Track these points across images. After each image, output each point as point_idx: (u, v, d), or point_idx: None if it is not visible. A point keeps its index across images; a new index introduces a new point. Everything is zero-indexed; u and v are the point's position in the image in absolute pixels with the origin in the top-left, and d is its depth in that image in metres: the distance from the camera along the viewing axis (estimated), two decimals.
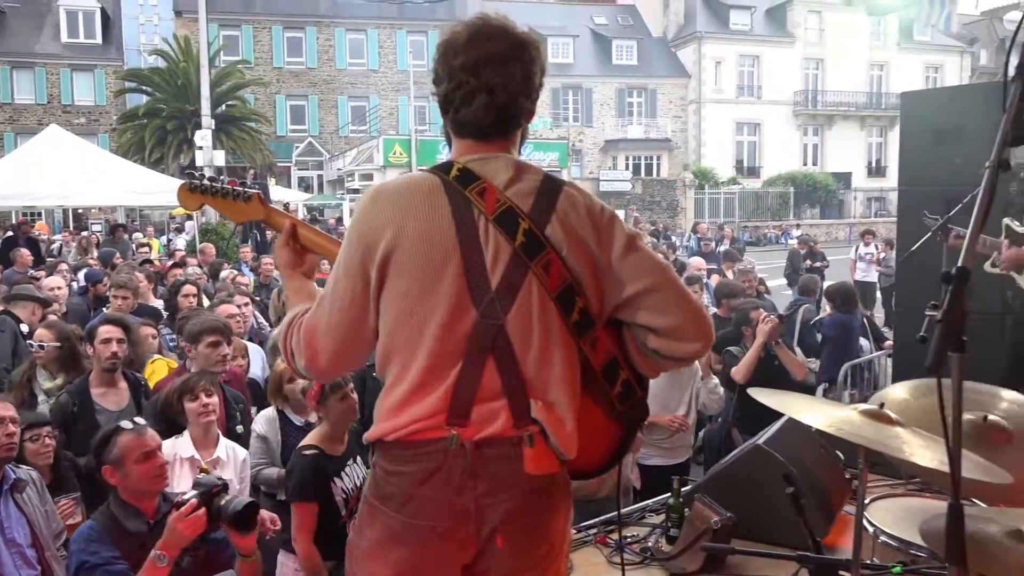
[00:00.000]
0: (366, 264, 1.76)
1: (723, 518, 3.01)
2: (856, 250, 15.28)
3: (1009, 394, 2.45)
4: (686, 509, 3.17)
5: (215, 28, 30.00)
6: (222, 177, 2.16)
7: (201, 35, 18.26)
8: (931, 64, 41.45)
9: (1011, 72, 1.53)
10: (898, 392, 2.39)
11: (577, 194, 1.82)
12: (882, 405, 1.74)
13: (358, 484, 3.42)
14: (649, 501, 3.85)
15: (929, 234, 4.55)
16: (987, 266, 4.78)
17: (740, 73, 39.99)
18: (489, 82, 1.77)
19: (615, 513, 3.65)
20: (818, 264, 14.42)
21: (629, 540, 3.29)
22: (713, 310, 6.87)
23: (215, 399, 3.55)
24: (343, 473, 3.44)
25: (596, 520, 3.48)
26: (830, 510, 3.14)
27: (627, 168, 38.21)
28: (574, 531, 3.32)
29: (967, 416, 2.26)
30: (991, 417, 2.20)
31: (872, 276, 14.35)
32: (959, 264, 1.28)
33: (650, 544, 3.24)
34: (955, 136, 5.12)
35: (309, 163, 36.38)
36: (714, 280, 9.20)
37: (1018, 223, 4.68)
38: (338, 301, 1.79)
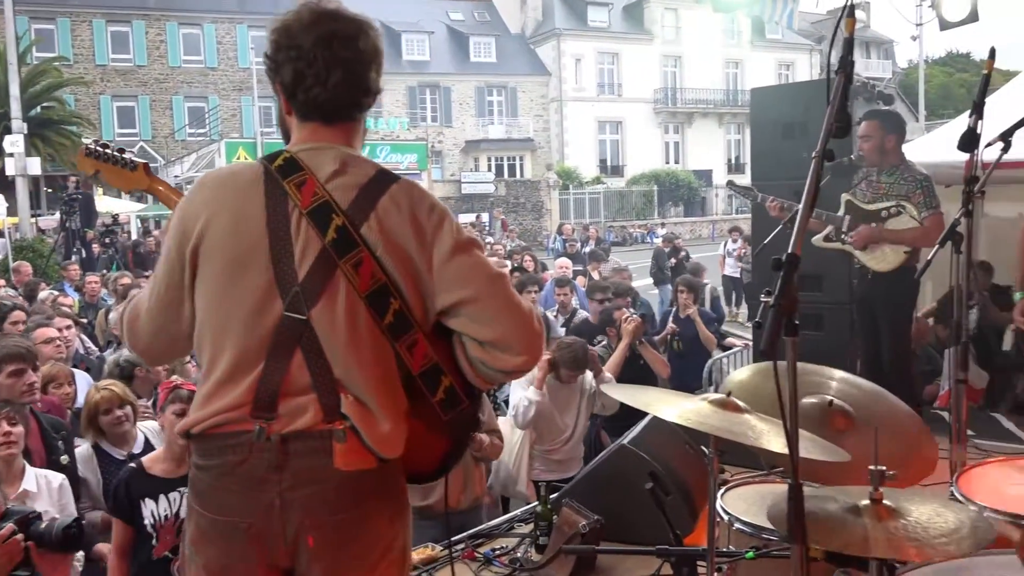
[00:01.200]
0: (182, 251, 1.81)
1: (590, 521, 3.10)
2: (724, 246, 16.15)
3: (839, 373, 2.68)
4: (554, 516, 3.25)
5: (25, 21, 28.11)
6: (115, 146, 2.30)
7: (8, 28, 17.14)
8: (783, 61, 44.23)
9: (834, 67, 1.66)
10: (742, 375, 2.57)
11: (406, 192, 1.82)
12: (729, 394, 1.85)
13: (179, 514, 3.24)
14: (517, 511, 3.92)
15: (780, 227, 4.86)
16: (818, 239, 5.14)
17: (600, 71, 41.29)
18: (343, 56, 1.82)
19: (484, 526, 3.70)
20: (683, 260, 15.06)
21: (498, 552, 3.34)
22: (584, 314, 7.03)
23: (18, 428, 3.32)
24: (161, 496, 3.27)
25: (462, 535, 3.51)
26: (695, 506, 3.30)
27: (490, 169, 38.61)
28: (440, 548, 3.34)
29: (813, 400, 2.44)
30: (836, 401, 2.37)
31: (740, 272, 15.19)
32: (789, 251, 1.38)
33: (519, 555, 3.30)
34: (801, 130, 5.49)
35: None
36: (580, 282, 9.42)
37: (858, 199, 5.07)
38: (157, 286, 1.87)
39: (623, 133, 41.71)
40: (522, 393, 4.82)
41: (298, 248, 1.75)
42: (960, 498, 2.23)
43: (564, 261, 10.56)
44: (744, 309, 13.50)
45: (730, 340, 7.61)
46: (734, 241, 15.77)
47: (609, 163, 41.38)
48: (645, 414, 3.71)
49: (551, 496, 3.34)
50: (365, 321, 1.75)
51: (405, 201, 1.80)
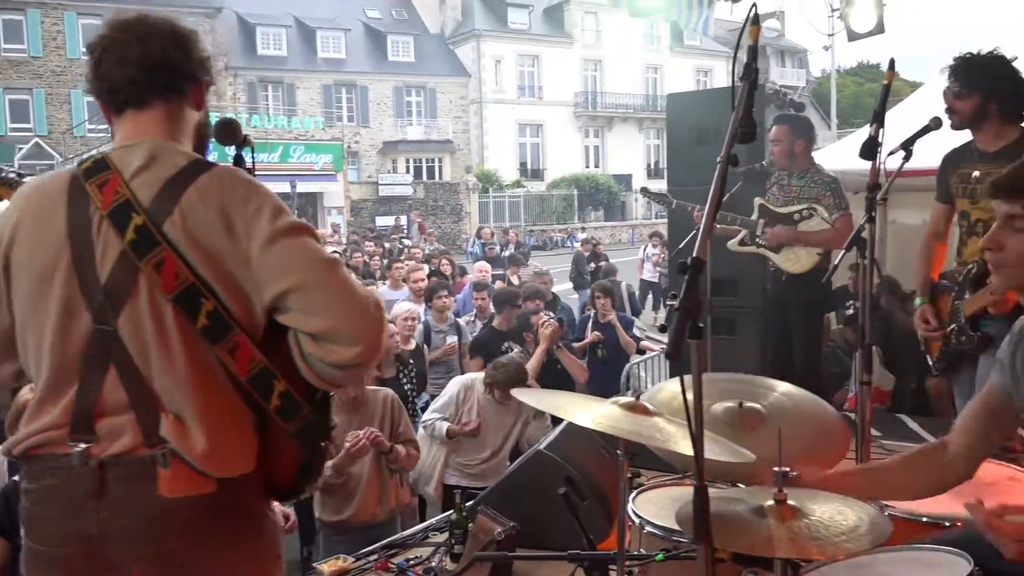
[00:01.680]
0: None
1: (506, 528, 3.11)
2: (644, 251, 16.48)
3: (784, 386, 2.69)
4: (470, 524, 3.25)
5: None
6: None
7: None
8: (702, 68, 45.36)
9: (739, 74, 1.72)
10: (673, 386, 2.61)
11: (217, 182, 1.71)
12: (638, 397, 1.89)
13: None
14: (432, 520, 3.91)
15: (695, 231, 4.98)
16: (733, 244, 5.30)
17: (520, 73, 41.57)
18: (140, 32, 1.79)
19: (397, 536, 3.68)
20: (602, 264, 15.29)
21: (412, 562, 3.32)
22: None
23: None
24: None
25: (375, 546, 3.48)
26: (611, 510, 3.35)
27: (408, 171, 38.42)
28: (352, 559, 3.31)
29: (727, 404, 2.51)
30: (746, 404, 2.44)
31: (658, 277, 15.50)
32: (694, 255, 1.42)
33: (434, 564, 3.29)
34: (715, 136, 5.65)
35: (37, 167, 33.17)
36: (499, 287, 9.45)
37: (771, 203, 5.25)
38: None
39: (543, 136, 42.08)
40: (435, 418, 4.88)
41: (99, 253, 1.68)
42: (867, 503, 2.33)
43: (483, 265, 10.60)
44: (663, 313, 13.80)
45: (645, 344, 7.76)
46: (654, 246, 16.10)
47: (529, 166, 41.67)
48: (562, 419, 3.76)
49: (467, 504, 3.35)
50: (175, 326, 1.66)
51: (215, 191, 1.69)
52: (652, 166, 43.62)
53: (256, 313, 1.72)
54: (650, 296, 15.57)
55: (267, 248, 1.67)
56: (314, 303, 1.66)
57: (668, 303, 1.38)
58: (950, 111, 3.66)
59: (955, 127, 3.68)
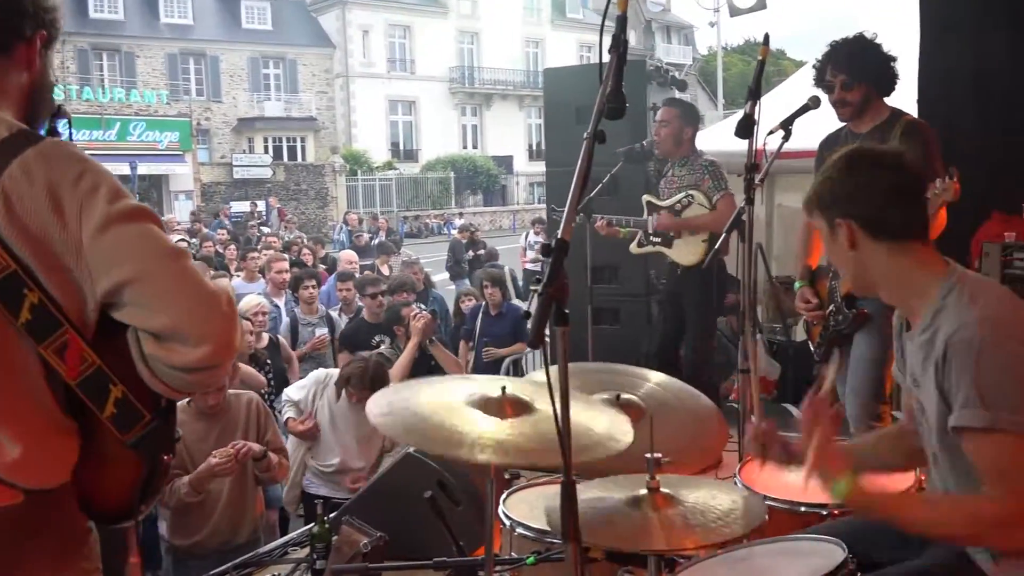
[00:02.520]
0: None
1: (373, 539, 3.11)
2: (526, 238, 16.61)
3: (656, 376, 2.80)
4: (333, 536, 3.22)
5: None
6: None
7: None
8: (585, 43, 46.06)
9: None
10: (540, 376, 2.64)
11: (44, 158, 1.61)
12: (504, 389, 1.91)
13: None
14: (293, 534, 3.85)
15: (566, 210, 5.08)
16: (633, 247, 5.48)
17: (391, 45, 41.18)
18: None
19: (253, 554, 3.62)
20: (481, 252, 15.36)
21: None
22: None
23: None
24: None
25: (227, 565, 3.41)
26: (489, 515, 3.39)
27: (266, 151, 37.49)
28: None
29: (603, 396, 2.57)
30: (624, 396, 2.51)
31: (542, 266, 15.68)
32: (559, 236, 1.45)
33: None
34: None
35: None
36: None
37: (657, 198, 5.42)
38: None
39: (417, 114, 41.86)
40: (286, 405, 4.81)
41: None
42: (743, 489, 2.44)
43: (349, 254, 10.48)
44: None
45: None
46: (536, 233, 16.25)
47: (402, 147, 41.40)
48: None
49: (330, 515, 3.31)
50: None
51: (41, 169, 1.60)
52: (534, 147, 44.08)
53: (88, 308, 1.63)
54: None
55: (101, 234, 1.59)
56: (154, 297, 1.59)
57: (531, 288, 1.39)
58: (841, 103, 3.85)
59: (846, 119, 3.89)
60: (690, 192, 5.28)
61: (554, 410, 1.43)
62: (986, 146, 5.51)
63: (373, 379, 4.50)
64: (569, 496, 1.44)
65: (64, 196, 1.59)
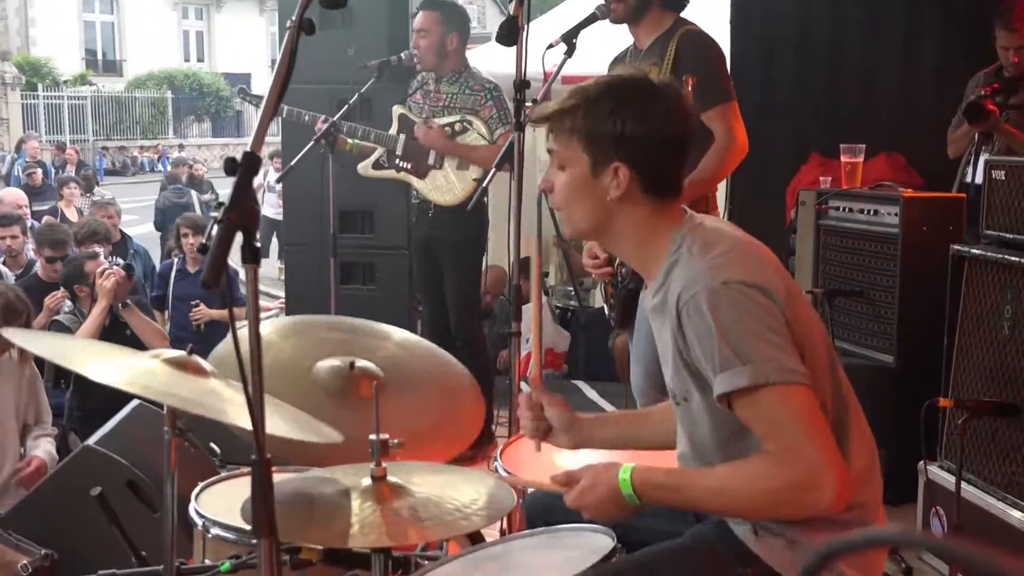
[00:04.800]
0: None
1: (36, 558, 3.05)
2: (264, 177, 16.13)
3: (402, 334, 2.84)
4: None
5: None
6: None
7: None
8: None
9: None
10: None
11: None
12: (191, 351, 1.87)
13: None
14: None
15: (312, 143, 5.01)
16: (363, 166, 5.46)
17: None
18: None
19: None
20: (207, 199, 14.89)
21: None
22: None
23: None
24: None
25: None
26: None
27: None
28: None
29: (333, 363, 2.57)
30: (359, 364, 2.52)
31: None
32: (248, 149, 1.42)
33: None
34: (346, 19, 5.69)
35: None
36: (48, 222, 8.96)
37: (414, 113, 5.43)
38: None
39: (120, 14, 39.95)
40: None
41: None
42: (505, 475, 2.51)
43: (17, 195, 9.85)
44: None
45: (263, 304, 7.76)
46: (277, 169, 15.88)
47: (101, 56, 39.49)
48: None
49: None
50: None
51: None
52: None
53: None
54: (274, 239, 15.40)
55: None
56: None
57: (212, 215, 1.36)
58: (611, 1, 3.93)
59: (616, 21, 3.95)
60: (468, 117, 5.31)
61: (241, 374, 1.40)
62: (804, 86, 5.98)
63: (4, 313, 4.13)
64: (261, 480, 1.42)
65: None
